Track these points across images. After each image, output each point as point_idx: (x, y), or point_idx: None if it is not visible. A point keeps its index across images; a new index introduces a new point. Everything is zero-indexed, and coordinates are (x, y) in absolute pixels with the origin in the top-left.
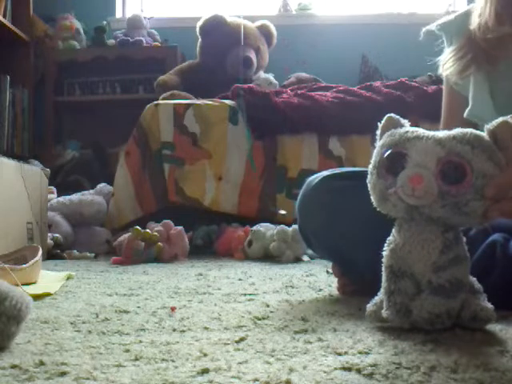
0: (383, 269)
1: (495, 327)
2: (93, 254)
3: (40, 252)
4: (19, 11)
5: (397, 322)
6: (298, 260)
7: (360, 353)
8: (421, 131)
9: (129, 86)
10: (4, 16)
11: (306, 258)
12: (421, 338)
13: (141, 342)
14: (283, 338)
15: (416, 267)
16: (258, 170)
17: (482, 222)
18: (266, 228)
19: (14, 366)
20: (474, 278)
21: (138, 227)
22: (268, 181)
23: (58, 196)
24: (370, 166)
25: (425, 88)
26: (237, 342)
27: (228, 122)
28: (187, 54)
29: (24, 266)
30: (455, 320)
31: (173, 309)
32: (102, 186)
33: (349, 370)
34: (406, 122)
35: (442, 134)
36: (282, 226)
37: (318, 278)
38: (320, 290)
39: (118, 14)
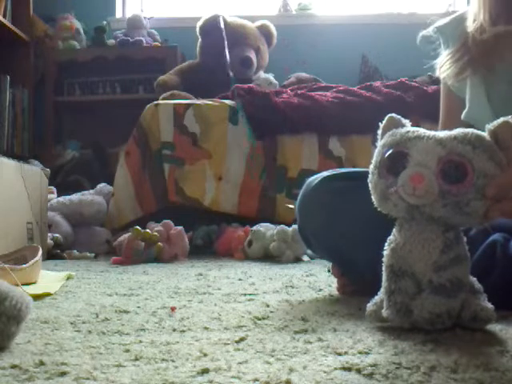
0: (383, 268)
1: (495, 327)
2: (93, 254)
3: (40, 252)
4: (19, 11)
5: (397, 321)
6: (298, 260)
7: (360, 353)
8: (422, 131)
9: (129, 86)
10: (4, 16)
11: (305, 258)
12: (421, 338)
13: (141, 342)
14: (283, 338)
15: (416, 267)
16: (257, 169)
17: (483, 222)
18: (266, 228)
19: (14, 366)
20: (474, 278)
21: (137, 227)
22: (268, 181)
23: (58, 196)
24: (371, 166)
25: (425, 88)
26: (237, 341)
27: (228, 122)
28: (187, 54)
29: (24, 266)
30: (455, 320)
31: (173, 309)
32: (101, 186)
33: (349, 370)
34: (407, 121)
35: (443, 133)
36: (282, 226)
37: (317, 278)
38: (320, 290)
39: (118, 14)
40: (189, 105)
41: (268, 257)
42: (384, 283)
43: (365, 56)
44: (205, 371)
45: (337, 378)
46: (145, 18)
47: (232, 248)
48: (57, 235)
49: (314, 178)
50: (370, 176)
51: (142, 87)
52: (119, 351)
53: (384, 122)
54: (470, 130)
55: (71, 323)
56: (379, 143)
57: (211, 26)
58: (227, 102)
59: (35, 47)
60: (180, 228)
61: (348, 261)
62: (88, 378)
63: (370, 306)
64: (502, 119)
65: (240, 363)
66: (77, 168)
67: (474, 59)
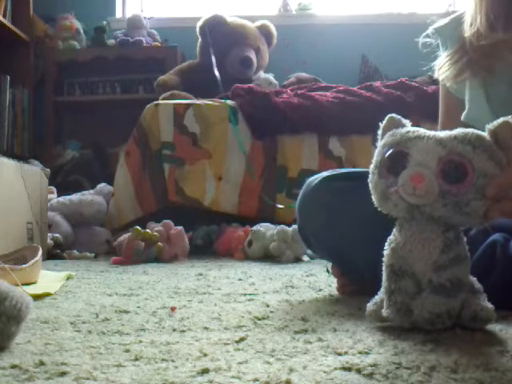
0: (384, 268)
1: (495, 327)
2: (93, 254)
3: (40, 252)
4: (19, 11)
5: (397, 321)
6: (298, 260)
7: (360, 353)
8: (422, 131)
9: (129, 86)
10: (4, 16)
11: (305, 258)
12: (421, 338)
13: (141, 342)
14: (283, 338)
15: (416, 266)
16: (258, 169)
17: (483, 222)
18: (266, 228)
19: (14, 366)
20: (474, 278)
21: (137, 227)
22: (268, 181)
23: (58, 196)
24: (372, 166)
25: (425, 88)
26: (237, 341)
27: (228, 122)
28: (187, 54)
29: (24, 266)
30: (455, 320)
31: (173, 309)
32: (101, 186)
33: (349, 370)
34: (407, 122)
35: (443, 133)
36: (282, 226)
37: (318, 278)
38: (320, 290)
39: (118, 14)
40: (189, 105)
41: (268, 257)
42: (384, 283)
43: (365, 56)
44: (205, 371)
45: (337, 377)
46: (145, 18)
47: (232, 248)
48: (57, 235)
49: (314, 178)
50: (370, 176)
51: (142, 87)
52: (119, 351)
53: (384, 122)
54: (470, 130)
55: (71, 323)
56: (379, 143)
57: (211, 26)
58: (227, 101)
59: (35, 47)
60: (180, 228)
61: (348, 261)
62: (88, 378)
63: (370, 306)
64: (501, 119)
65: (240, 363)
66: (77, 168)
67: (472, 61)
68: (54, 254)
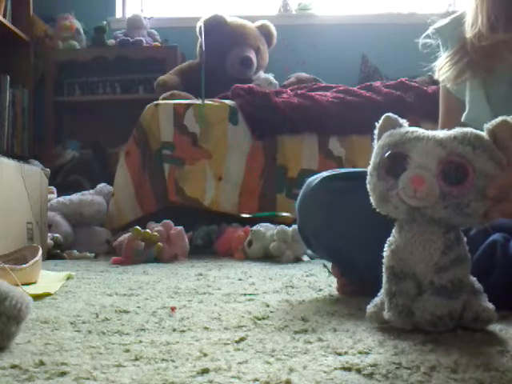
0: (384, 269)
1: (495, 327)
2: (93, 254)
3: (40, 252)
4: (19, 11)
5: (399, 323)
6: (298, 260)
7: (360, 353)
8: (421, 131)
9: (129, 86)
10: (4, 16)
11: (305, 258)
12: (421, 338)
13: (141, 342)
14: (283, 338)
15: (417, 268)
16: (258, 169)
17: (483, 222)
18: (266, 228)
19: (14, 366)
20: (474, 278)
21: (137, 227)
22: (268, 181)
23: (58, 196)
24: (370, 167)
25: (425, 88)
26: (237, 342)
27: (228, 122)
28: (187, 54)
29: (24, 266)
30: (457, 321)
31: (173, 309)
32: (101, 185)
33: (349, 370)
34: (404, 121)
35: (442, 134)
36: (282, 226)
37: (317, 278)
38: (320, 290)
39: (118, 14)
40: (189, 105)
41: (268, 257)
42: (384, 285)
43: (365, 56)
44: (205, 371)
45: (337, 377)
46: (145, 18)
47: (232, 248)
48: (57, 235)
49: (314, 178)
50: (368, 177)
51: (142, 87)
52: (119, 351)
53: (380, 121)
54: (469, 130)
55: (71, 323)
56: (376, 143)
57: (211, 26)
58: (227, 101)
59: (35, 47)
60: (180, 228)
61: (348, 261)
62: (88, 378)
63: (370, 308)
64: (500, 118)
65: (240, 363)
66: (77, 168)
67: (473, 61)
68: (54, 253)
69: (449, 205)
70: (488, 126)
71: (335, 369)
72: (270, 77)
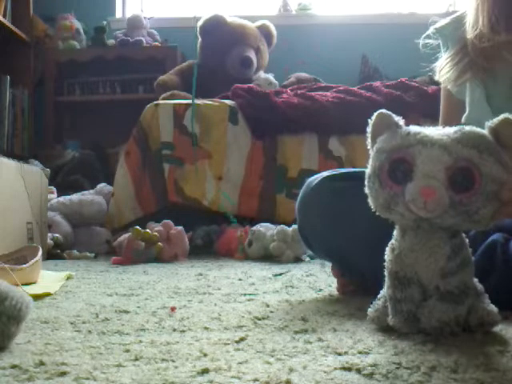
0: (386, 274)
1: (495, 327)
2: (93, 254)
3: (40, 252)
4: (19, 11)
5: (404, 329)
6: (298, 260)
7: (360, 353)
8: (422, 134)
9: (129, 86)
10: (4, 16)
11: (306, 258)
12: (421, 338)
13: (141, 342)
14: (283, 338)
15: (423, 274)
16: (258, 169)
17: (489, 225)
18: (266, 228)
19: (14, 366)
20: (475, 279)
21: (137, 227)
22: (268, 181)
23: (58, 196)
24: (369, 171)
25: (425, 88)
26: (237, 342)
27: (228, 122)
28: (187, 54)
29: (24, 266)
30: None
31: (173, 309)
32: (101, 186)
33: (349, 370)
34: (399, 119)
35: (445, 136)
36: (282, 226)
37: (317, 278)
38: (320, 289)
39: (118, 14)
40: (189, 105)
41: (268, 257)
42: (388, 289)
43: (365, 56)
44: (205, 371)
45: (337, 377)
46: (145, 18)
47: (232, 248)
48: (57, 235)
49: (314, 179)
50: (368, 182)
51: (142, 87)
52: (119, 351)
53: (374, 118)
54: (471, 130)
55: (71, 323)
56: (371, 142)
57: (211, 26)
58: (227, 101)
59: (35, 47)
60: (180, 228)
61: (348, 261)
62: (88, 378)
63: (371, 312)
64: (502, 116)
65: (240, 363)
66: (77, 168)
67: (473, 62)
68: (54, 253)
69: (458, 213)
70: (490, 124)
71: (335, 369)
72: (270, 77)
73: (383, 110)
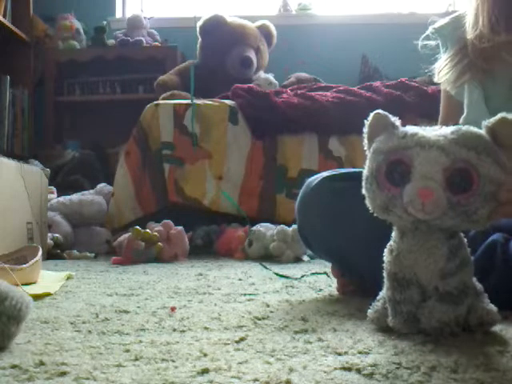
0: (385, 275)
1: (495, 327)
2: (93, 254)
3: (40, 252)
4: (19, 11)
5: (404, 330)
6: (298, 260)
7: (360, 353)
8: (420, 134)
9: (129, 86)
10: (4, 16)
11: (305, 258)
12: (421, 338)
13: (141, 342)
14: (283, 338)
15: (422, 275)
16: (257, 169)
17: (487, 225)
18: (266, 228)
19: (14, 366)
20: (475, 278)
21: (137, 227)
22: (268, 181)
23: (58, 196)
24: (366, 172)
25: (425, 88)
26: (237, 342)
27: (228, 122)
28: (187, 54)
29: (24, 266)
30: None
31: (173, 309)
32: (101, 185)
33: (349, 370)
34: (396, 119)
35: (442, 138)
36: (282, 226)
37: (318, 278)
38: (320, 289)
39: (118, 14)
40: (189, 105)
41: (268, 257)
42: (387, 291)
43: (365, 56)
44: (205, 371)
45: (337, 377)
46: (145, 18)
47: (232, 248)
48: (57, 235)
49: (314, 179)
50: (365, 183)
51: (142, 87)
52: (119, 351)
53: (370, 119)
54: (469, 131)
55: (71, 323)
56: (368, 143)
57: (211, 26)
58: (227, 101)
59: (35, 47)
60: (180, 228)
61: (347, 261)
62: (88, 378)
63: (371, 313)
64: (499, 115)
65: (240, 363)
66: (77, 168)
67: (472, 63)
68: (54, 253)
69: (457, 214)
70: (487, 123)
71: (335, 369)
72: (270, 77)
73: (380, 111)
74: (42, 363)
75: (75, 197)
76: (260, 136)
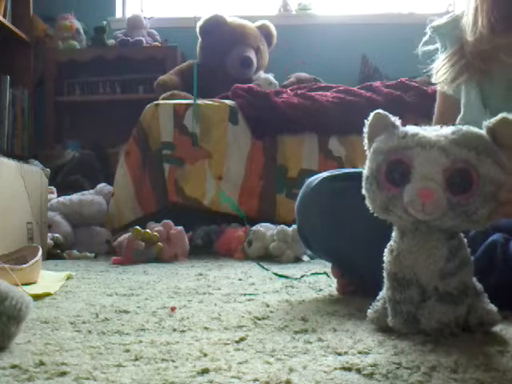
0: (385, 275)
1: (495, 327)
2: (93, 254)
3: (40, 252)
4: (19, 11)
5: (404, 330)
6: (298, 260)
7: (360, 353)
8: (420, 135)
9: (129, 86)
10: (4, 16)
11: (305, 258)
12: (421, 338)
13: (141, 342)
14: (283, 338)
15: (422, 275)
16: (258, 169)
17: (487, 225)
18: (266, 228)
19: (14, 366)
20: (475, 278)
21: (137, 227)
22: (268, 181)
23: (58, 196)
24: (366, 173)
25: (425, 88)
26: (237, 342)
27: (228, 122)
28: (187, 54)
29: (24, 266)
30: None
31: (173, 309)
32: (101, 185)
33: (349, 370)
34: (396, 119)
35: (442, 138)
36: (282, 226)
37: (318, 278)
38: (320, 289)
39: (118, 14)
40: (189, 105)
41: (268, 257)
42: (387, 291)
43: (365, 56)
44: (205, 371)
45: (337, 377)
46: (145, 17)
47: (232, 248)
48: (57, 235)
49: (314, 179)
50: (365, 183)
51: (142, 87)
52: (119, 351)
53: (370, 119)
54: (469, 131)
55: (71, 323)
56: (368, 143)
57: (211, 26)
58: (227, 101)
59: (35, 47)
60: (180, 228)
61: (347, 261)
62: (88, 378)
63: (371, 313)
64: (500, 116)
65: (240, 363)
66: (77, 168)
67: (470, 63)
68: (54, 253)
69: (457, 215)
70: (487, 123)
71: (335, 369)
72: (270, 77)
73: (380, 111)
74: (42, 363)
75: (75, 197)
76: (260, 136)
